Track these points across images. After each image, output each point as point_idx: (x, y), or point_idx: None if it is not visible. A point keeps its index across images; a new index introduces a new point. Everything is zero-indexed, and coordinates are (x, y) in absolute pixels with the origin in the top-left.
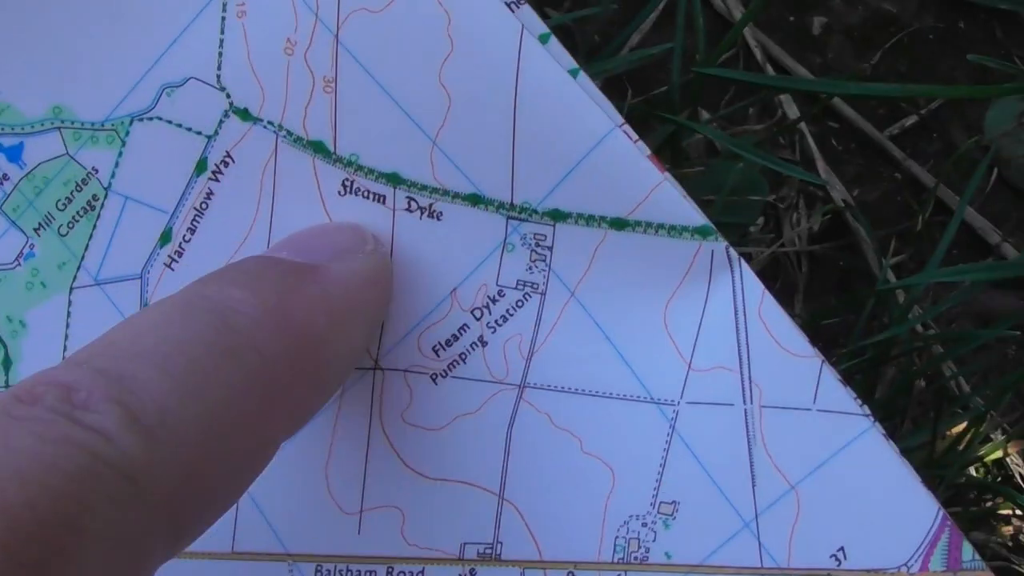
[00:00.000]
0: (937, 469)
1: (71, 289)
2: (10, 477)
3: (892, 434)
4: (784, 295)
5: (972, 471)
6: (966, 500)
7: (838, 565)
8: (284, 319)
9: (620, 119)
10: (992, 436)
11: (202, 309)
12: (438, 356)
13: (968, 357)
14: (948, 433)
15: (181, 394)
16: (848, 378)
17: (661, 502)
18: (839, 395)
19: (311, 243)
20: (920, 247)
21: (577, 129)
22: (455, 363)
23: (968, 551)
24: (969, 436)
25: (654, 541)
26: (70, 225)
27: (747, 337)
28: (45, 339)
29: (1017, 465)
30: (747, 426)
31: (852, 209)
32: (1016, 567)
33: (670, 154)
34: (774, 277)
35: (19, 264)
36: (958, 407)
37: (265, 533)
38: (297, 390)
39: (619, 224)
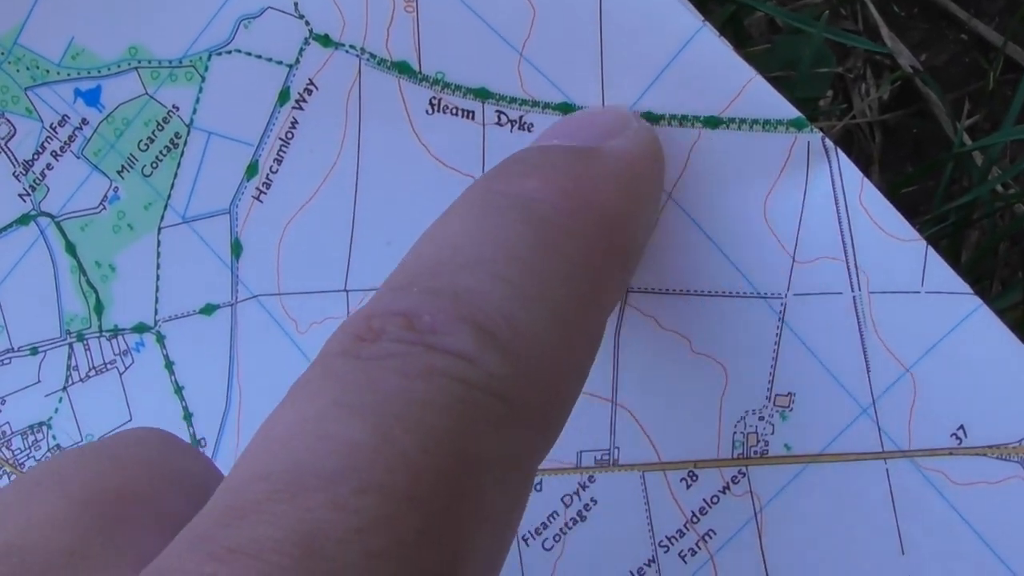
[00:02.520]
0: None
1: (159, 229)
2: (395, 424)
3: (983, 297)
4: (860, 167)
5: None
6: None
7: (959, 443)
8: (584, 201)
9: (701, 17)
10: None
11: (505, 207)
12: None
13: None
14: None
15: (523, 299)
16: (933, 245)
17: (776, 395)
18: (946, 276)
19: (580, 129)
20: (993, 108)
21: (665, 30)
22: None
23: None
24: None
25: (772, 434)
26: (154, 165)
27: (850, 225)
28: (136, 281)
29: None
30: (857, 313)
31: (921, 74)
32: None
33: (732, 34)
34: (848, 150)
35: (104, 208)
36: None
37: None
38: (613, 269)
39: (713, 122)
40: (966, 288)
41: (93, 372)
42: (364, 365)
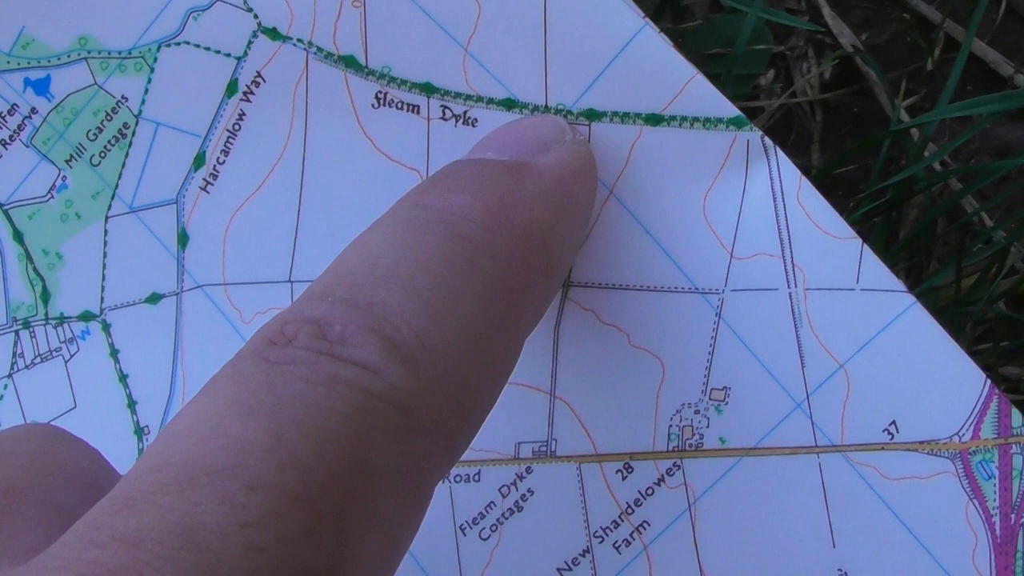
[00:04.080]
0: (964, 306)
1: (106, 218)
2: (291, 427)
3: (918, 275)
4: (800, 145)
5: (1001, 306)
6: (996, 335)
7: (891, 439)
8: (509, 220)
9: (643, 15)
10: (1018, 269)
11: (429, 221)
12: None
13: (989, 191)
14: (974, 271)
15: (432, 314)
16: (869, 222)
17: (712, 389)
18: (881, 274)
19: (513, 140)
20: (933, 87)
21: (607, 28)
22: None
23: (1018, 418)
24: (994, 271)
25: (707, 427)
26: (102, 154)
27: (787, 222)
28: (82, 270)
29: None
30: (793, 309)
31: (861, 53)
32: None
33: (670, 13)
34: (788, 128)
35: (52, 197)
36: (981, 242)
37: None
38: (532, 288)
39: (654, 120)
40: (900, 286)
41: (38, 359)
42: (270, 368)
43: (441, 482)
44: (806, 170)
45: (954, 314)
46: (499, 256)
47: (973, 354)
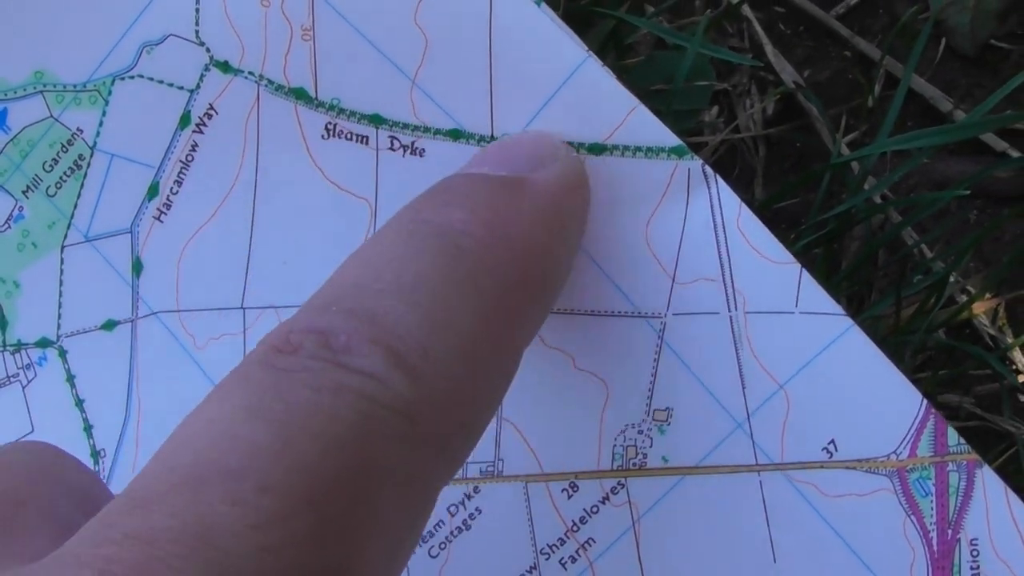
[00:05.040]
0: (904, 335)
1: (62, 248)
2: (299, 431)
3: (860, 305)
4: (743, 180)
5: (941, 335)
6: (936, 364)
7: (830, 457)
8: (504, 235)
9: (586, 47)
10: (957, 299)
11: (427, 235)
12: None
13: (929, 224)
14: (913, 301)
15: (433, 327)
16: (810, 253)
17: (655, 409)
18: (819, 298)
19: (509, 156)
20: (874, 123)
21: (551, 60)
22: None
23: (953, 436)
24: (933, 300)
25: (651, 447)
26: (58, 185)
27: (727, 248)
28: (39, 298)
29: (984, 326)
30: (733, 332)
31: (803, 90)
32: (991, 425)
33: (614, 50)
34: (732, 163)
35: (9, 227)
36: (921, 273)
37: None
38: (529, 302)
39: (597, 149)
40: (838, 309)
41: None
42: (277, 375)
43: None
44: (749, 204)
45: (894, 343)
46: (497, 273)
47: (913, 382)
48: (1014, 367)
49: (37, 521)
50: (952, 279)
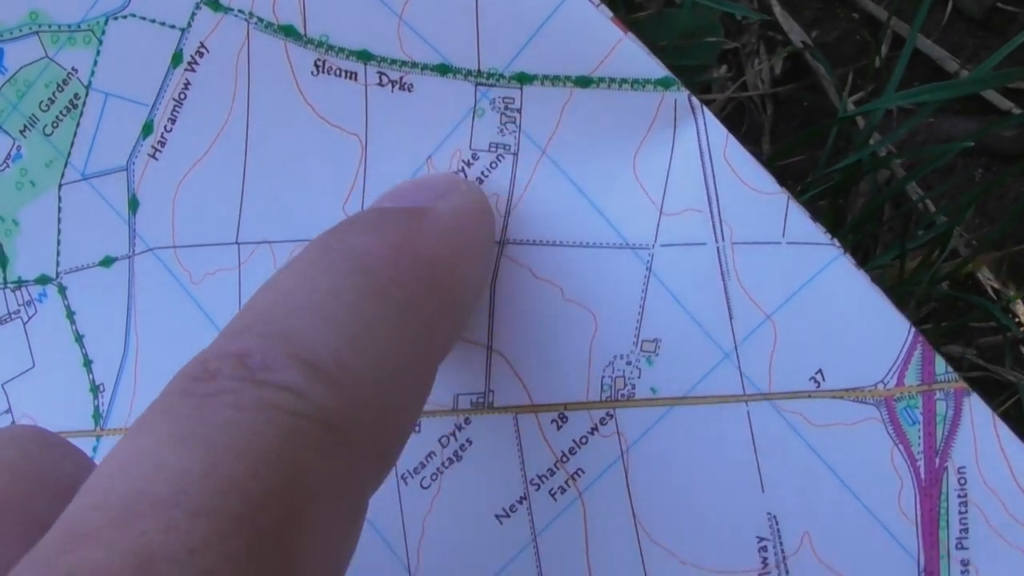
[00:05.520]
0: (908, 286)
1: (60, 186)
2: (225, 452)
3: (864, 261)
4: (751, 138)
5: (944, 287)
6: (939, 315)
7: (817, 387)
8: (411, 253)
9: None
10: (961, 253)
11: (338, 258)
12: None
13: (934, 181)
14: (917, 255)
15: (348, 338)
16: (816, 207)
17: (643, 340)
18: (807, 228)
19: (411, 191)
20: (880, 83)
21: None
22: None
23: (941, 365)
24: (936, 253)
25: (639, 378)
26: (54, 124)
27: (714, 179)
28: (38, 235)
29: (988, 280)
30: (720, 263)
31: (811, 49)
32: (994, 375)
33: (623, 6)
34: (740, 121)
35: (7, 166)
36: (924, 227)
37: None
38: (442, 317)
39: (584, 82)
40: (825, 239)
41: None
42: (199, 402)
43: None
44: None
45: (899, 294)
46: (408, 286)
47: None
48: (1016, 319)
49: (15, 528)
50: (956, 234)
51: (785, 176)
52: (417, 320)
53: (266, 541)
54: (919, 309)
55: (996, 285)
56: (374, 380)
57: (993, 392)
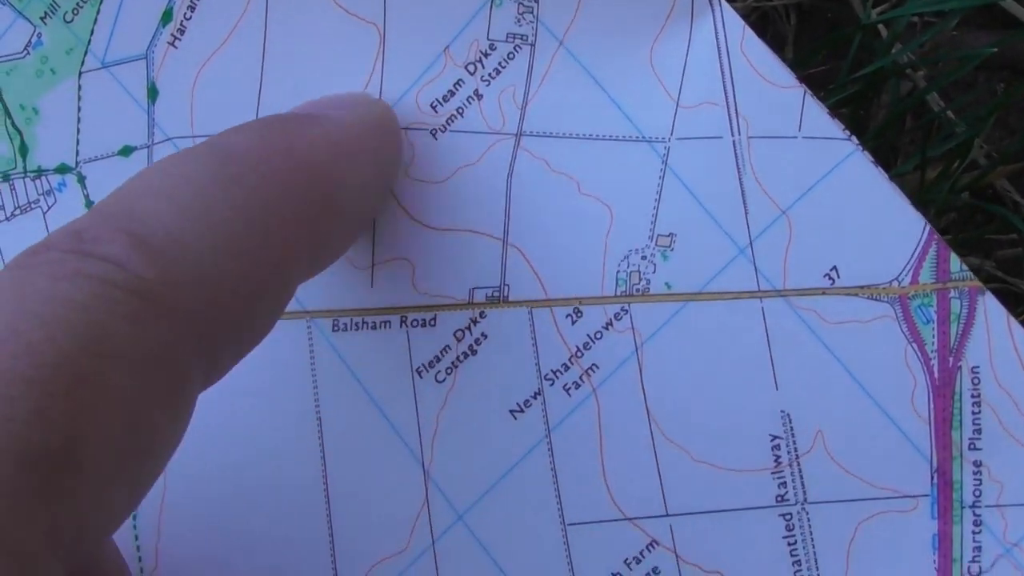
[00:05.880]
0: (928, 194)
1: (80, 74)
2: (28, 318)
3: (885, 171)
4: (773, 48)
5: (964, 197)
6: (959, 227)
7: (832, 283)
8: (288, 151)
9: None
10: (981, 165)
11: (204, 151)
12: (436, 112)
13: (955, 92)
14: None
15: (187, 216)
16: (837, 116)
17: (658, 235)
18: (823, 122)
19: (312, 104)
20: None
21: None
22: (453, 117)
23: (956, 263)
24: (957, 163)
25: (654, 272)
26: (75, 11)
27: (731, 72)
28: (58, 124)
29: (1008, 191)
30: (736, 157)
31: None
32: (1012, 287)
33: None
34: (763, 31)
35: (28, 53)
36: (946, 136)
37: None
38: (310, 219)
39: None
40: (842, 134)
41: (18, 211)
42: (21, 272)
43: (399, 326)
44: None
45: (918, 203)
46: (270, 178)
47: None
48: None
49: None
50: (977, 145)
51: (807, 85)
52: (274, 213)
53: (54, 404)
54: (939, 219)
55: (1016, 196)
56: (206, 258)
57: (1012, 304)
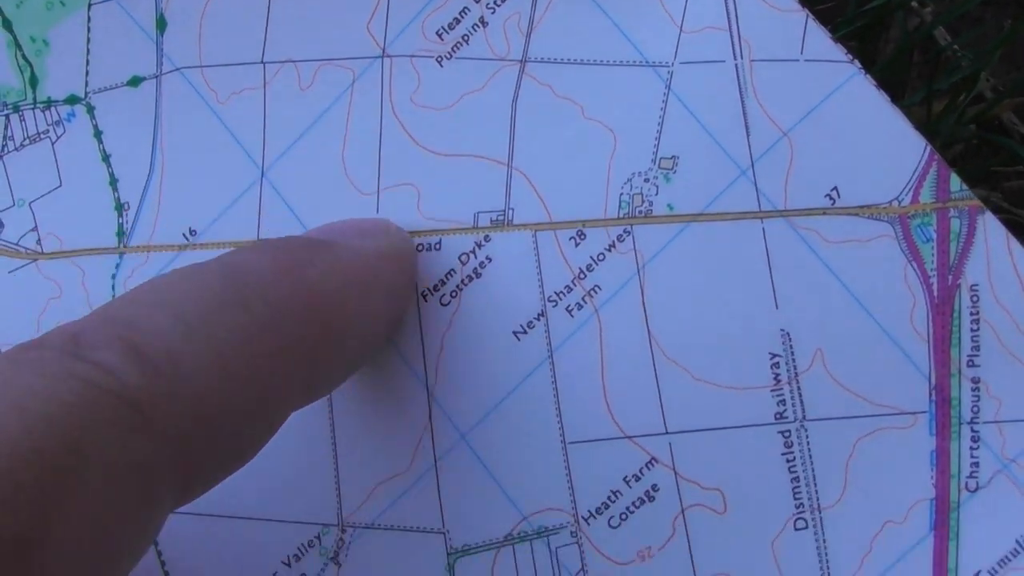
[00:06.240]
0: (935, 126)
1: (89, 5)
2: (11, 410)
3: (892, 102)
4: None
5: (971, 129)
6: (965, 160)
7: (832, 203)
8: (296, 278)
9: None
10: (987, 98)
11: (216, 268)
12: (441, 39)
13: (962, 27)
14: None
15: (189, 335)
16: (846, 46)
17: (661, 158)
18: (825, 45)
19: (336, 227)
20: None
21: None
22: (458, 45)
23: (956, 182)
24: (963, 96)
25: (656, 195)
26: None
27: None
28: (68, 55)
29: (1015, 124)
30: (739, 79)
31: None
32: (1019, 219)
33: None
34: None
35: None
36: (952, 69)
37: (288, 219)
38: (311, 350)
39: None
40: (844, 56)
41: (28, 141)
42: (14, 366)
43: None
44: None
45: (925, 135)
46: (276, 306)
47: None
48: None
49: None
50: (983, 79)
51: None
52: (276, 341)
53: (23, 494)
54: (945, 151)
55: (1022, 129)
56: (202, 379)
57: (1018, 235)
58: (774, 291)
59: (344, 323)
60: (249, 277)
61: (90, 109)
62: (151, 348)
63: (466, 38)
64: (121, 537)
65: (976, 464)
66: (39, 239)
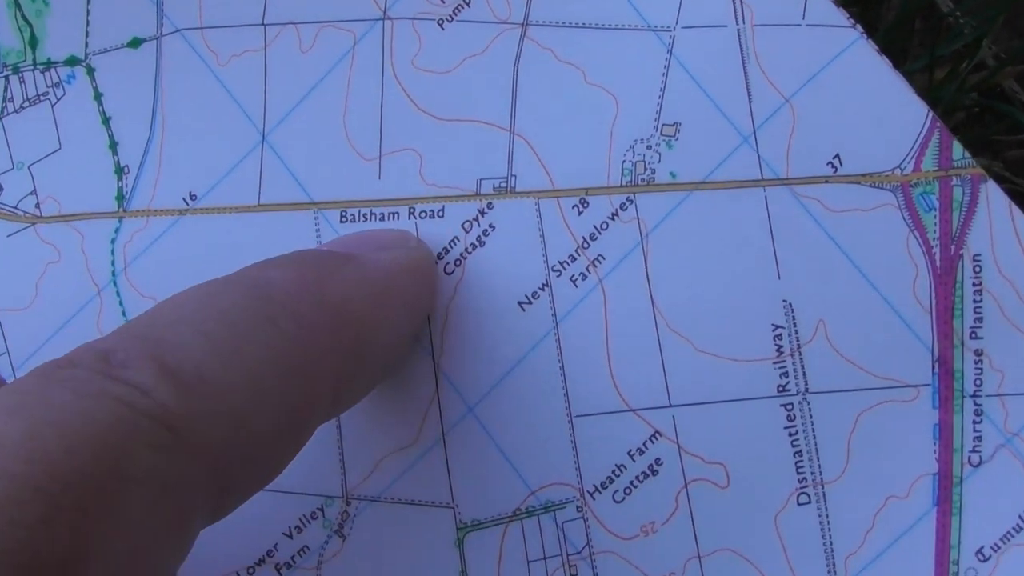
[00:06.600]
0: (936, 93)
1: None
2: (49, 428)
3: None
4: None
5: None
6: (966, 128)
7: (834, 171)
8: (321, 292)
9: None
10: (989, 64)
11: (242, 283)
12: (443, 2)
13: None
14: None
15: (218, 352)
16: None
17: (663, 124)
18: (828, 10)
19: (355, 241)
20: None
21: None
22: (460, 7)
23: (958, 150)
24: (965, 63)
25: (659, 162)
26: None
27: None
28: (68, 16)
29: (1016, 92)
30: (740, 45)
31: None
32: (1020, 188)
33: None
34: None
35: None
36: (954, 36)
37: (289, 184)
38: (337, 363)
39: None
40: (846, 21)
41: (27, 103)
42: (45, 383)
43: (407, 217)
44: None
45: (927, 102)
46: (302, 320)
47: None
48: None
49: None
50: (985, 46)
51: None
52: (302, 355)
53: (62, 515)
54: (947, 119)
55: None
56: (233, 397)
57: (1020, 204)
58: (776, 261)
59: (368, 336)
60: (274, 292)
61: (90, 71)
62: (182, 367)
63: (467, 0)
64: (159, 556)
65: (979, 438)
66: (38, 202)
